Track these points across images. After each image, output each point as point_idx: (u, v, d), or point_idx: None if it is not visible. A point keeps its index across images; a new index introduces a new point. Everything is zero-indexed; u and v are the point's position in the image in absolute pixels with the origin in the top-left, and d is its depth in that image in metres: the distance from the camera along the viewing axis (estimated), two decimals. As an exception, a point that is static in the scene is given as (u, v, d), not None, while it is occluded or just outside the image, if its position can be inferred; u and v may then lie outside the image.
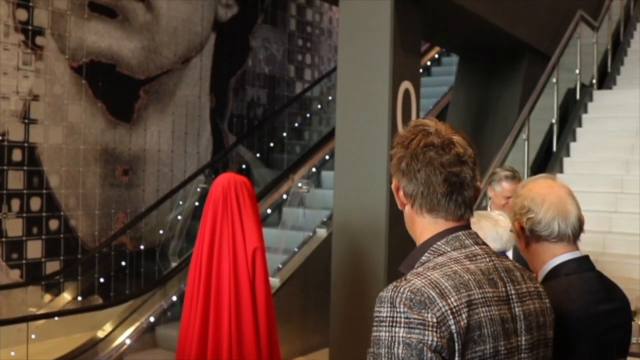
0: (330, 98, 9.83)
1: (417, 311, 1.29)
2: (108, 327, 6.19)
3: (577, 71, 7.64)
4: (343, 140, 5.14)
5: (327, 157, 8.62)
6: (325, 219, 6.85)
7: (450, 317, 1.30)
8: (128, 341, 6.09)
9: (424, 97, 7.90)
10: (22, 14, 6.51)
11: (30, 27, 6.58)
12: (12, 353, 5.50)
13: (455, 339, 1.30)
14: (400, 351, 1.27)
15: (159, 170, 7.92)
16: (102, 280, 7.03)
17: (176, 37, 8.10)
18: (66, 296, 6.80)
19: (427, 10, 5.54)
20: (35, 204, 6.64)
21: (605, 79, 8.38)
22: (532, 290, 1.52)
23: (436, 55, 10.92)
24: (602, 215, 5.89)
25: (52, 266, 6.74)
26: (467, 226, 1.51)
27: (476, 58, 7.71)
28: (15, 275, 6.44)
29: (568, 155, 6.94)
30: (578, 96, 7.55)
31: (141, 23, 7.69)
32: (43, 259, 6.68)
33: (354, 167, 5.05)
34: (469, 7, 5.83)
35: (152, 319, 6.36)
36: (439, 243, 1.46)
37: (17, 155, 6.49)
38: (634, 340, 2.85)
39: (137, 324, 6.28)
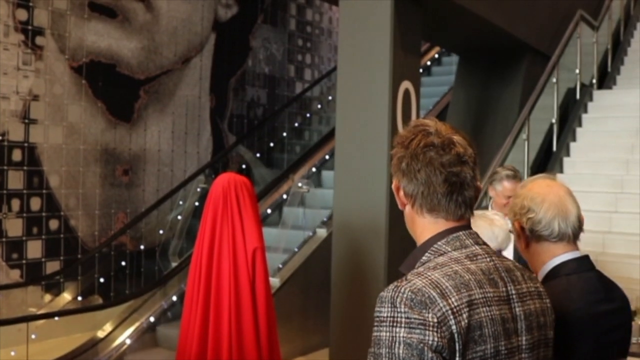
0: (330, 98, 9.83)
1: (418, 311, 1.29)
2: (108, 327, 6.19)
3: (577, 71, 7.64)
4: (343, 140, 5.14)
5: (327, 157, 8.62)
6: (325, 219, 6.85)
7: (451, 317, 1.30)
8: (128, 341, 6.09)
9: (424, 96, 7.91)
10: (22, 14, 6.51)
11: (30, 27, 6.58)
12: (12, 353, 5.50)
13: (456, 339, 1.30)
14: (400, 351, 1.27)
15: (159, 170, 7.93)
16: (102, 280, 7.03)
17: (176, 37, 8.10)
18: (66, 296, 6.80)
19: (427, 10, 5.54)
20: (36, 204, 6.64)
21: (606, 79, 8.38)
22: (532, 290, 1.52)
23: (436, 55, 10.92)
24: (602, 215, 5.89)
25: (52, 266, 6.74)
26: (468, 226, 1.51)
27: (476, 58, 7.71)
28: (15, 275, 6.44)
29: (568, 155, 6.94)
30: (578, 96, 7.55)
31: (141, 23, 7.69)
32: (43, 259, 6.68)
33: (354, 167, 5.05)
34: (469, 7, 5.83)
35: (152, 319, 6.36)
36: (439, 243, 1.46)
37: (17, 155, 6.49)
38: (634, 340, 2.85)
39: (137, 324, 6.28)
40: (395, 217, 4.77)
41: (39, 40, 6.66)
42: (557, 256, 1.86)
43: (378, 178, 4.89)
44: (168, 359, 5.78)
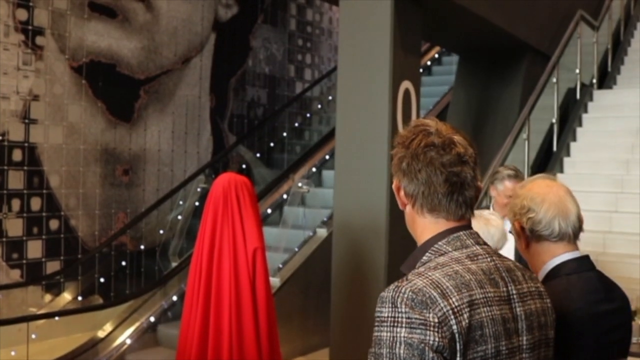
0: (330, 98, 9.83)
1: (419, 311, 1.29)
2: (108, 327, 6.19)
3: (578, 71, 7.63)
4: (343, 140, 5.14)
5: (327, 157, 8.62)
6: (325, 219, 6.85)
7: (452, 317, 1.30)
8: (128, 341, 6.09)
9: (425, 96, 7.91)
10: (22, 14, 6.51)
11: (30, 27, 6.58)
12: (13, 353, 5.50)
13: (457, 339, 1.30)
14: (401, 351, 1.27)
15: (159, 170, 7.93)
16: (102, 280, 7.03)
17: (176, 37, 8.10)
18: (66, 296, 6.80)
19: (427, 10, 5.54)
20: (36, 204, 6.64)
21: (606, 79, 8.38)
22: (533, 290, 1.52)
23: (436, 55, 10.92)
24: (603, 214, 5.88)
25: (52, 266, 6.74)
26: (468, 226, 1.51)
27: (476, 58, 7.71)
28: (15, 275, 6.44)
29: (568, 155, 6.94)
30: (578, 96, 7.54)
31: (141, 23, 7.69)
32: (43, 259, 6.68)
33: (354, 167, 5.05)
34: (469, 6, 5.83)
35: (152, 319, 6.36)
36: (440, 243, 1.46)
37: (17, 155, 6.49)
38: (634, 340, 2.85)
39: (137, 324, 6.28)
40: (396, 217, 4.77)
41: (39, 40, 6.66)
42: (558, 256, 1.86)
43: (378, 178, 4.89)
44: (169, 358, 5.78)
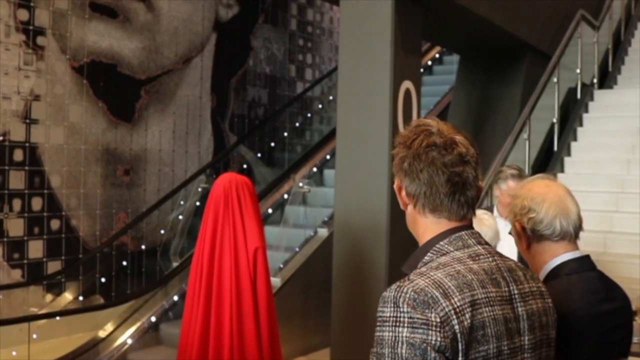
0: (331, 98, 9.83)
1: (421, 311, 1.29)
2: (109, 327, 6.19)
3: (578, 70, 7.63)
4: (344, 140, 5.14)
5: (327, 156, 8.62)
6: (326, 219, 6.86)
7: (454, 317, 1.30)
8: (129, 341, 6.09)
9: (426, 95, 7.91)
10: (23, 14, 6.52)
11: (31, 27, 6.59)
12: (14, 353, 5.50)
13: (459, 339, 1.30)
14: (403, 351, 1.27)
15: (160, 170, 7.93)
16: (103, 280, 7.04)
17: (177, 37, 8.11)
18: (67, 296, 6.81)
19: (428, 10, 5.54)
20: (37, 204, 6.64)
21: (606, 79, 8.37)
22: (534, 290, 1.52)
23: (437, 55, 10.92)
24: (603, 214, 5.88)
25: (53, 266, 6.75)
26: (470, 226, 1.51)
27: (477, 57, 7.71)
28: (16, 275, 6.45)
29: (569, 154, 6.94)
30: (579, 95, 7.54)
31: (142, 23, 7.69)
32: (44, 259, 6.69)
33: (355, 167, 5.05)
34: (469, 6, 5.83)
35: (153, 319, 6.37)
36: (441, 243, 1.46)
37: (18, 155, 6.49)
38: (635, 340, 2.85)
39: (138, 324, 6.28)
40: (396, 217, 4.77)
41: (40, 40, 6.66)
42: (558, 256, 1.87)
43: (379, 178, 4.89)
44: (171, 357, 5.78)
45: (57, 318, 6.04)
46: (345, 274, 5.05)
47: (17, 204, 6.47)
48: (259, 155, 9.10)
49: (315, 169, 8.44)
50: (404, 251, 4.67)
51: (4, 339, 5.23)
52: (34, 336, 5.53)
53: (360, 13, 5.09)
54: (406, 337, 1.28)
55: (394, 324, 1.30)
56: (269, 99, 9.54)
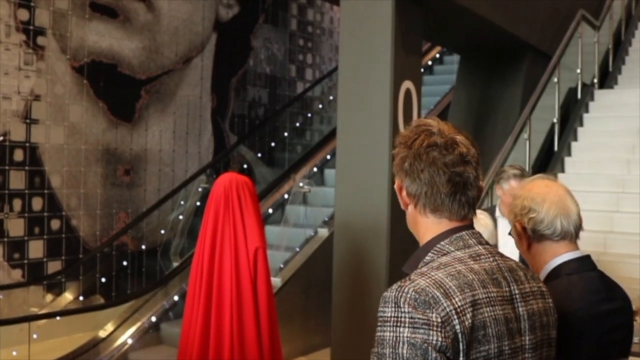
0: (331, 98, 9.83)
1: (422, 311, 1.29)
2: (110, 327, 6.20)
3: (579, 70, 7.63)
4: (344, 140, 5.14)
5: (328, 156, 8.63)
6: (327, 218, 6.86)
7: (455, 317, 1.30)
8: (130, 341, 6.09)
9: (426, 95, 7.91)
10: (23, 14, 6.52)
11: (31, 27, 6.59)
12: (14, 353, 5.51)
13: (460, 339, 1.30)
14: (404, 351, 1.27)
15: (161, 170, 7.93)
16: (103, 280, 7.04)
17: (177, 37, 8.11)
18: (68, 296, 6.81)
19: (428, 10, 5.54)
20: (37, 204, 6.65)
21: (607, 78, 8.37)
22: (535, 290, 1.52)
23: (437, 55, 10.92)
24: (604, 214, 5.88)
25: (53, 266, 6.75)
26: (471, 226, 1.51)
27: (477, 57, 7.71)
28: (17, 275, 6.45)
29: (569, 154, 6.94)
30: (579, 95, 7.54)
31: (142, 23, 7.69)
32: (45, 259, 6.69)
33: (355, 167, 5.05)
34: (470, 6, 5.83)
35: (153, 319, 6.37)
36: (442, 243, 1.46)
37: (18, 155, 6.49)
38: (635, 340, 2.85)
39: (138, 324, 6.29)
40: (397, 217, 4.77)
41: (40, 40, 6.66)
42: (559, 256, 1.87)
43: (379, 178, 4.89)
44: (172, 356, 5.78)
45: (58, 318, 6.04)
46: (345, 274, 5.05)
47: (17, 204, 6.47)
48: (259, 155, 9.10)
49: (315, 169, 8.45)
50: (405, 251, 4.67)
51: (4, 339, 5.23)
52: (34, 336, 5.53)
53: (361, 13, 5.09)
54: (407, 337, 1.28)
55: (395, 324, 1.29)
56: (269, 99, 9.54)
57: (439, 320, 1.28)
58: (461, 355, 1.31)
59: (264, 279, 3.72)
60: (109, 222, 7.31)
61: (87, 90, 7.10)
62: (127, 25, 7.52)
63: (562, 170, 6.75)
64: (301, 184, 7.41)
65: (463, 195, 1.47)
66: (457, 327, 1.30)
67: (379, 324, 1.32)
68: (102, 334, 6.14)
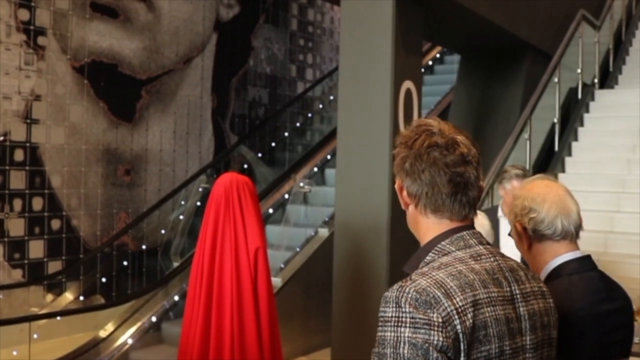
0: (331, 98, 9.83)
1: (423, 311, 1.29)
2: (110, 327, 6.20)
3: (579, 70, 7.63)
4: (344, 140, 5.15)
5: (328, 156, 8.63)
6: (327, 218, 6.86)
7: (456, 317, 1.30)
8: (130, 341, 6.10)
9: (427, 95, 7.91)
10: (24, 14, 6.52)
11: (32, 27, 6.59)
12: (14, 353, 5.51)
13: (461, 339, 1.30)
14: (405, 351, 1.27)
15: (161, 170, 7.93)
16: (104, 280, 7.04)
17: (178, 37, 8.11)
18: (68, 296, 6.81)
19: (429, 10, 5.54)
20: (38, 203, 6.65)
21: (607, 78, 8.37)
22: (536, 290, 1.52)
23: (438, 55, 10.91)
24: (604, 214, 5.88)
25: (54, 266, 6.75)
26: (471, 226, 1.51)
27: (478, 57, 7.71)
28: (17, 275, 6.45)
29: (570, 154, 6.93)
30: (580, 95, 7.54)
31: (143, 23, 7.69)
32: (45, 259, 6.69)
33: (356, 167, 5.05)
34: (470, 6, 5.83)
35: (154, 319, 6.37)
36: (443, 243, 1.46)
37: (19, 155, 6.49)
38: (636, 340, 2.85)
39: (139, 324, 6.29)
40: (397, 217, 4.77)
41: (40, 40, 6.66)
42: (560, 256, 1.87)
43: (380, 178, 4.89)
44: (172, 355, 5.78)
45: (58, 318, 6.05)
46: (346, 274, 5.05)
47: (17, 204, 6.47)
48: (259, 155, 9.11)
49: (315, 169, 8.45)
50: (405, 251, 4.66)
51: (4, 339, 5.23)
52: (35, 336, 5.53)
53: (361, 13, 5.09)
54: (408, 337, 1.27)
55: (396, 324, 1.29)
56: (269, 99, 9.55)
57: (440, 320, 1.28)
58: (462, 355, 1.30)
59: (265, 279, 3.72)
60: (110, 222, 7.31)
61: (87, 90, 7.10)
62: (128, 25, 7.52)
63: (563, 170, 6.75)
64: (301, 184, 7.41)
65: (464, 196, 1.47)
66: (458, 327, 1.30)
67: (380, 324, 1.32)
68: (103, 334, 6.14)
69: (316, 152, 8.88)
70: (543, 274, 1.87)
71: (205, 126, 8.53)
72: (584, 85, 7.66)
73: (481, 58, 7.67)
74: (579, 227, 1.89)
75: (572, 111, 7.42)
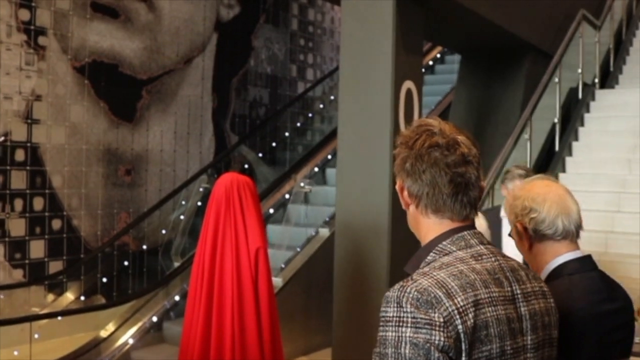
0: (332, 98, 9.83)
1: (424, 311, 1.29)
2: (111, 327, 6.20)
3: (580, 70, 7.62)
4: (345, 139, 5.15)
5: (329, 156, 8.63)
6: (327, 218, 6.87)
7: (457, 316, 1.30)
8: (131, 341, 6.10)
9: (428, 94, 7.90)
10: (24, 14, 6.52)
11: (32, 27, 6.59)
12: (15, 353, 5.51)
13: (462, 339, 1.30)
14: (407, 351, 1.27)
15: (162, 170, 7.93)
16: (104, 280, 7.05)
17: (178, 37, 8.11)
18: (69, 296, 6.82)
19: (429, 10, 5.54)
20: (38, 203, 6.65)
21: (608, 78, 8.36)
22: (537, 290, 1.52)
23: (438, 54, 10.91)
24: (605, 214, 5.88)
25: (55, 266, 6.75)
26: (472, 226, 1.51)
27: (478, 57, 7.71)
28: (18, 275, 6.45)
29: (570, 154, 6.93)
30: (580, 95, 7.53)
31: (143, 23, 7.69)
32: (46, 259, 6.69)
33: (356, 167, 5.05)
34: (470, 6, 5.83)
35: (154, 319, 6.37)
36: (444, 243, 1.46)
37: (20, 155, 6.50)
38: (637, 340, 2.85)
39: (140, 324, 6.29)
40: (398, 216, 4.77)
41: (41, 40, 6.67)
42: (560, 255, 1.86)
43: (380, 178, 4.89)
44: (174, 354, 5.78)
45: (59, 318, 6.05)
46: (346, 273, 5.06)
47: (18, 204, 6.48)
48: (260, 155, 9.11)
49: (316, 169, 8.45)
50: (406, 251, 4.67)
51: (5, 339, 5.24)
52: (36, 336, 5.54)
53: (362, 13, 5.09)
54: (409, 337, 1.28)
55: (397, 324, 1.30)
56: (270, 99, 9.55)
57: (442, 320, 1.29)
58: (463, 355, 1.31)
59: (265, 279, 3.72)
60: (110, 222, 7.32)
61: (88, 90, 7.10)
62: (128, 25, 7.52)
63: (563, 170, 6.74)
64: (302, 184, 7.42)
65: (465, 196, 1.47)
66: (460, 327, 1.30)
67: (381, 323, 1.32)
68: (104, 333, 6.14)
69: (317, 152, 8.88)
70: (543, 274, 1.87)
71: (205, 126, 8.53)
72: (585, 85, 7.66)
73: (482, 58, 7.67)
74: (579, 226, 1.89)
75: (573, 111, 7.42)
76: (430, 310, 1.29)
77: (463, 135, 1.49)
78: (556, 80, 7.11)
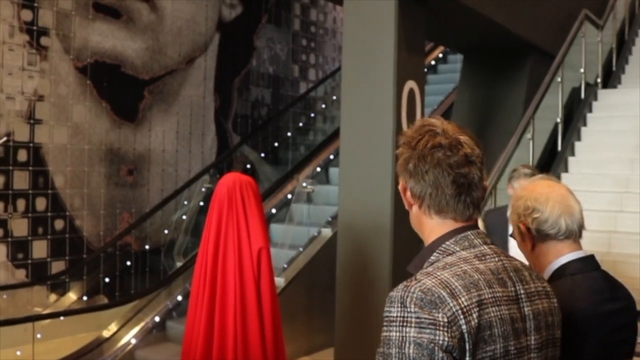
0: (334, 98, 9.83)
1: (428, 311, 1.29)
2: (113, 327, 6.20)
3: (582, 70, 7.61)
4: (347, 139, 5.14)
5: (331, 156, 8.63)
6: (330, 219, 6.87)
7: (461, 316, 1.30)
8: (133, 341, 6.10)
9: (431, 94, 7.89)
10: (27, 15, 6.53)
11: (35, 28, 6.60)
12: (18, 352, 5.52)
13: (466, 339, 1.30)
14: (411, 351, 1.27)
15: (164, 170, 7.94)
16: (107, 280, 7.05)
17: (180, 37, 8.12)
18: (72, 296, 6.82)
19: (432, 10, 5.53)
20: (41, 204, 6.66)
21: (610, 78, 8.35)
22: (540, 290, 1.52)
23: (440, 54, 10.91)
24: (608, 214, 5.87)
25: (57, 266, 6.76)
26: (475, 226, 1.51)
27: (481, 57, 7.70)
28: (21, 275, 6.46)
29: (573, 154, 6.92)
30: (583, 95, 7.52)
31: (145, 23, 7.70)
32: (48, 259, 6.70)
33: (359, 167, 5.04)
34: (473, 6, 5.83)
35: (157, 319, 6.38)
36: (447, 243, 1.46)
37: (22, 155, 6.51)
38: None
39: (142, 324, 6.29)
40: (400, 217, 4.77)
41: (43, 40, 6.68)
42: (563, 255, 1.86)
43: (383, 178, 4.89)
44: (178, 353, 5.78)
45: (61, 318, 6.06)
46: (349, 273, 5.05)
47: (21, 204, 6.49)
48: (262, 155, 9.11)
49: (319, 169, 8.45)
50: (408, 251, 4.67)
51: (8, 339, 5.25)
52: (38, 336, 5.54)
53: (364, 13, 5.09)
54: (413, 337, 1.28)
55: (401, 324, 1.29)
56: (272, 99, 9.55)
57: (446, 320, 1.28)
58: (467, 355, 1.30)
59: (268, 279, 3.72)
60: (113, 222, 7.32)
61: (90, 90, 7.11)
62: (131, 26, 7.53)
63: (566, 170, 6.73)
64: (304, 184, 7.41)
65: (468, 196, 1.46)
66: (464, 327, 1.30)
67: (385, 324, 1.32)
68: (106, 333, 6.14)
69: (319, 151, 8.88)
70: (546, 274, 1.86)
71: (207, 126, 8.54)
72: (587, 84, 7.65)
73: (484, 58, 7.66)
74: (582, 226, 1.88)
75: (575, 111, 7.41)
76: (434, 310, 1.29)
77: (466, 136, 1.48)
78: (559, 80, 7.10)
